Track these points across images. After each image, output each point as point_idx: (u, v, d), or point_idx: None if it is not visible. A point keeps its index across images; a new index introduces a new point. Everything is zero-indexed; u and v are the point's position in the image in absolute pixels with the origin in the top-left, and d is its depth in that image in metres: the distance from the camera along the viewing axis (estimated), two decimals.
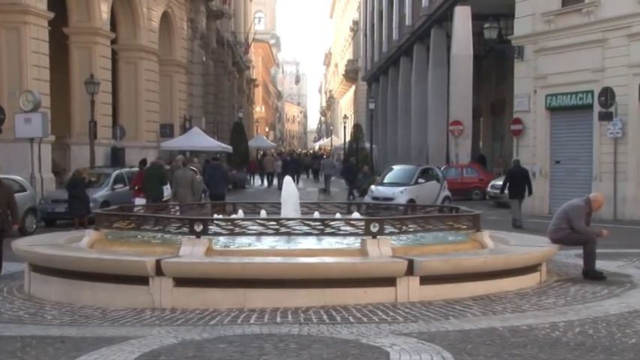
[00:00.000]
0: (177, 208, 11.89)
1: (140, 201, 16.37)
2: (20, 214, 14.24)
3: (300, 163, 45.29)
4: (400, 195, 21.09)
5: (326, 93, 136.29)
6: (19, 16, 21.76)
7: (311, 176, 50.65)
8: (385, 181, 23.20)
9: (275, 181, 37.20)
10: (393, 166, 25.93)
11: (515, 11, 22.76)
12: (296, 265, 7.70)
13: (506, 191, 18.72)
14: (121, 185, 20.33)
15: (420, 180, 22.29)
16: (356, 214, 10.62)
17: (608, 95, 19.20)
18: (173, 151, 33.23)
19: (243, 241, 8.83)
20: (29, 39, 21.79)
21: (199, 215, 10.71)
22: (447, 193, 22.60)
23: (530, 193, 18.55)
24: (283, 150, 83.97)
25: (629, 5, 19.29)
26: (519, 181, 18.22)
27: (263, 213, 10.77)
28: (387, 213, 11.44)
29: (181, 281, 7.64)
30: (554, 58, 21.18)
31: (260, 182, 38.88)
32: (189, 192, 16.43)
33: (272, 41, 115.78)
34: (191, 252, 8.01)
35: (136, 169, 22.42)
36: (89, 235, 9.26)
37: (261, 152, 59.66)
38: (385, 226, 8.36)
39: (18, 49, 21.80)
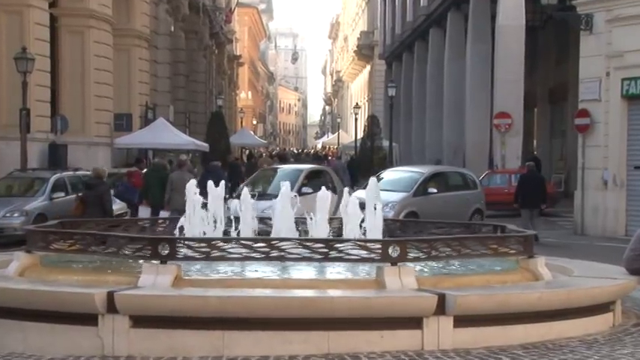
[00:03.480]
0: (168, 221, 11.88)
1: (144, 211, 16.78)
2: None
3: None
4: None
5: (332, 75, 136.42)
6: None
7: None
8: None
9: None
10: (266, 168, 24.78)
11: None
12: (291, 300, 7.70)
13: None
14: (62, 194, 20.31)
15: (304, 189, 20.21)
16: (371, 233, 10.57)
17: None
18: (131, 149, 33.28)
19: (222, 269, 8.83)
20: None
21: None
22: None
23: (544, 202, 21.05)
24: (276, 148, 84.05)
25: None
26: (532, 189, 20.44)
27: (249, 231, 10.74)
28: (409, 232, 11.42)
29: (141, 320, 7.63)
30: (633, 30, 21.16)
31: None
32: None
33: (262, 6, 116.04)
34: (154, 282, 8.01)
35: (84, 172, 22.44)
36: (19, 260, 9.25)
37: (247, 152, 59.73)
38: (409, 250, 8.36)
39: None
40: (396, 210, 20.95)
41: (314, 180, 21.03)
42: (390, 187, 21.72)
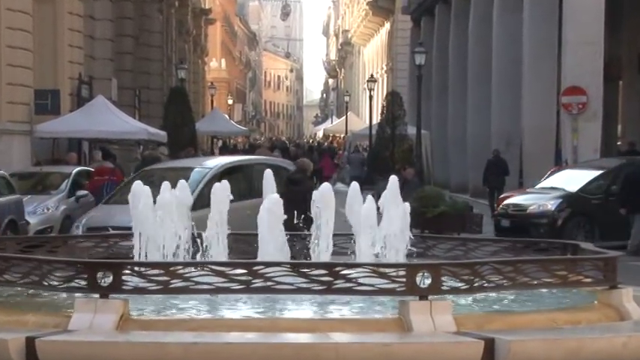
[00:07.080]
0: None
1: None
2: None
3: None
4: None
5: (337, 36, 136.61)
6: None
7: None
8: None
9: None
10: None
11: None
12: (282, 348, 7.71)
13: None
14: None
15: None
16: (391, 255, 10.56)
17: None
18: (59, 139, 33.24)
19: (186, 305, 8.83)
20: None
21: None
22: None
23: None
24: (260, 138, 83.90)
25: None
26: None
27: (223, 252, 10.74)
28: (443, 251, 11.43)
29: None
30: None
31: None
32: None
33: None
34: (91, 323, 8.01)
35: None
36: None
37: (219, 142, 59.75)
38: (443, 278, 8.36)
39: None
40: None
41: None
42: None
